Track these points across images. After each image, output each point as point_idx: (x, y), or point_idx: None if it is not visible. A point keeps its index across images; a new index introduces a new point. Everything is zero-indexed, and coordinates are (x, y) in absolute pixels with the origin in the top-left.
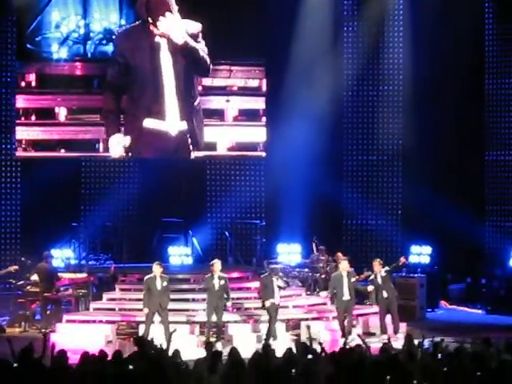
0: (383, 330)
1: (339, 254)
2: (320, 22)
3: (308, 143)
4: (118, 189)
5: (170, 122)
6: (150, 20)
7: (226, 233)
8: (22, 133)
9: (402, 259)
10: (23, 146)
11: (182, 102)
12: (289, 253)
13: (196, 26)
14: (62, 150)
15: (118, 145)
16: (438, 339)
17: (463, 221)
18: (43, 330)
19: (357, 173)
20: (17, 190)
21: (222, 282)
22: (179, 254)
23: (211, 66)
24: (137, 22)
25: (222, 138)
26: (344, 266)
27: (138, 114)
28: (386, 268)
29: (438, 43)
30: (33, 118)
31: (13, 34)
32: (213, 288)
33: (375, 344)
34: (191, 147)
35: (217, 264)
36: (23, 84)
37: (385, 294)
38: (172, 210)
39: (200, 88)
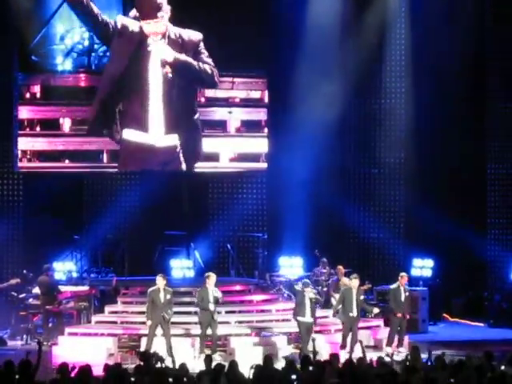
0: (390, 342)
1: (340, 267)
2: (321, 34)
3: (310, 155)
4: (120, 201)
5: (154, 135)
6: (141, 23)
7: (228, 246)
8: (27, 143)
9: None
10: (28, 156)
11: (173, 114)
12: (291, 266)
13: (196, 36)
14: (67, 161)
15: None
16: (439, 352)
17: (465, 234)
18: (38, 339)
19: (359, 185)
20: (19, 202)
21: (216, 294)
22: (181, 267)
23: (217, 76)
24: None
25: (225, 149)
26: (355, 283)
27: (123, 123)
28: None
29: (439, 56)
30: (38, 128)
31: (15, 47)
32: (207, 301)
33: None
34: (183, 160)
35: (212, 277)
36: (28, 95)
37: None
38: (174, 222)
39: (203, 99)
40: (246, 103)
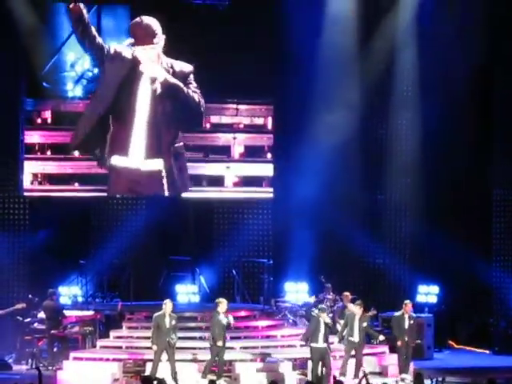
0: (401, 369)
1: (347, 294)
2: (328, 60)
3: (316, 181)
4: (126, 226)
5: (137, 159)
6: (135, 48)
7: (234, 271)
8: (38, 167)
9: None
10: (39, 179)
11: (157, 138)
12: (296, 291)
13: (187, 67)
14: (76, 184)
15: None
16: (440, 379)
17: (470, 260)
18: (37, 365)
19: (365, 211)
20: (25, 226)
21: (225, 320)
22: (186, 292)
23: (203, 106)
24: (127, 44)
25: (229, 174)
26: (357, 309)
27: (111, 148)
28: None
29: (446, 81)
30: (48, 152)
31: (23, 73)
32: (219, 326)
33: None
34: (166, 186)
35: (223, 303)
36: (39, 120)
37: (405, 337)
38: (180, 248)
39: (208, 125)
40: (250, 129)
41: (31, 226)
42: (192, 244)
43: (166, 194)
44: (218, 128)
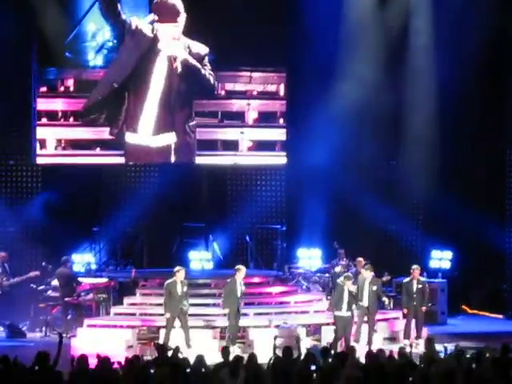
0: (407, 335)
1: (360, 259)
2: (339, 30)
3: (329, 147)
4: (139, 194)
5: (144, 135)
6: (156, 25)
7: (247, 238)
8: (62, 133)
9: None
10: (62, 145)
11: (169, 115)
12: (309, 257)
13: (203, 49)
14: (98, 149)
15: None
16: (455, 345)
17: (484, 226)
18: (59, 332)
19: (378, 177)
20: (37, 195)
21: (243, 287)
22: (200, 259)
23: (217, 88)
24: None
25: (243, 138)
26: (367, 273)
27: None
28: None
29: (460, 43)
30: (71, 119)
31: (33, 43)
32: (236, 293)
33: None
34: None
35: (242, 270)
36: (62, 88)
37: (414, 301)
38: (193, 214)
39: (223, 92)
40: (263, 96)
41: (43, 194)
42: (205, 211)
43: (172, 161)
44: (232, 95)
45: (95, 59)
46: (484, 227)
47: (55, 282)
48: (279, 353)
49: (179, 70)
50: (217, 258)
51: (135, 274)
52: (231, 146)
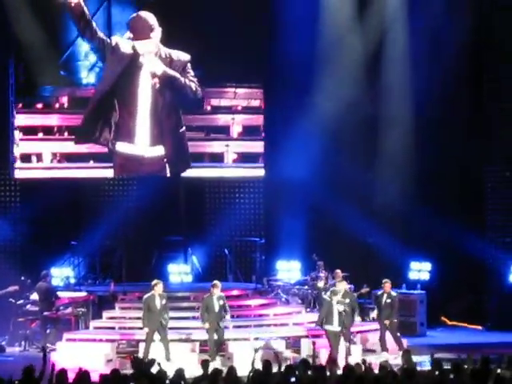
0: (383, 348)
1: (338, 271)
2: (314, 44)
3: (307, 160)
4: (117, 207)
5: (141, 146)
6: (134, 42)
7: (226, 250)
8: (58, 147)
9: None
10: (58, 158)
11: (158, 126)
12: (288, 270)
13: (184, 56)
14: (91, 161)
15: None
16: (435, 356)
17: (463, 236)
18: (43, 346)
19: (357, 189)
20: (16, 209)
21: (221, 302)
22: (179, 272)
23: (200, 94)
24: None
25: (229, 151)
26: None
27: (116, 135)
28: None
29: (437, 53)
30: (65, 134)
31: (10, 57)
32: (213, 309)
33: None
34: (168, 169)
35: (217, 287)
36: (57, 105)
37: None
38: (171, 228)
39: (209, 108)
40: (247, 110)
41: (22, 208)
42: (184, 224)
43: (168, 174)
44: (218, 110)
45: (88, 77)
46: (463, 238)
47: (34, 296)
48: (258, 366)
49: (159, 83)
50: (196, 271)
51: (114, 287)
52: (217, 158)
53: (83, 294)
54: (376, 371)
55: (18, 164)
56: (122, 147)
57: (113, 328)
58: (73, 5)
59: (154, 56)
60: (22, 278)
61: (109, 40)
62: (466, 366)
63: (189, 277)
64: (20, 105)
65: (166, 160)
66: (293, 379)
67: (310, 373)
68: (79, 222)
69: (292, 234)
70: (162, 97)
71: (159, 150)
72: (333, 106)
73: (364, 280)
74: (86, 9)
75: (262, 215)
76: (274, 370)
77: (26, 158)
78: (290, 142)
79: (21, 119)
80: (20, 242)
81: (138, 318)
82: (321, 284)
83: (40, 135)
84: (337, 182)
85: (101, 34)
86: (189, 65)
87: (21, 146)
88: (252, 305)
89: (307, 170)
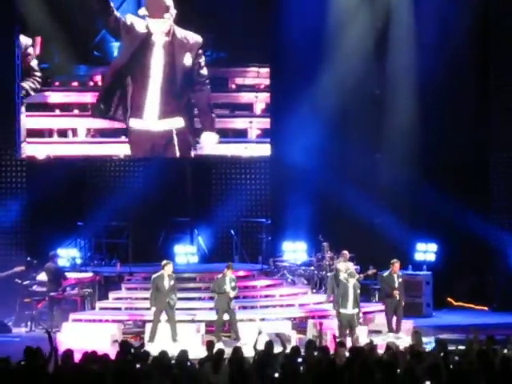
0: (390, 329)
1: (345, 252)
2: (322, 24)
3: (314, 140)
4: (124, 188)
5: (149, 121)
6: (148, 20)
7: (232, 231)
8: (92, 123)
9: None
10: (92, 133)
11: (169, 102)
12: (294, 251)
13: (198, 38)
14: (123, 137)
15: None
16: (441, 337)
17: (469, 218)
18: (46, 328)
19: (363, 171)
20: (22, 190)
21: (233, 283)
22: (185, 253)
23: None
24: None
25: (252, 127)
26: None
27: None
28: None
29: (443, 36)
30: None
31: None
32: (224, 290)
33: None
34: (176, 143)
35: (231, 269)
36: (91, 83)
37: (396, 296)
38: (177, 209)
39: (233, 86)
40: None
41: (28, 189)
42: (190, 205)
43: (178, 153)
44: (242, 88)
45: None
46: (469, 219)
47: (40, 277)
48: (262, 347)
49: (171, 60)
50: (202, 252)
51: (120, 268)
52: (241, 134)
53: (89, 274)
54: (381, 352)
55: (28, 140)
56: (133, 123)
57: (119, 309)
58: None
59: (166, 37)
60: (28, 259)
61: (123, 19)
62: (472, 347)
63: (195, 258)
64: (57, 83)
65: (175, 134)
66: (299, 360)
67: (315, 354)
68: (86, 202)
69: (298, 216)
70: (174, 74)
71: (172, 124)
72: (339, 86)
73: (369, 261)
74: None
75: (268, 196)
76: (278, 350)
77: (62, 133)
78: (296, 123)
79: (58, 97)
80: (26, 223)
81: (145, 299)
82: (341, 266)
83: (75, 111)
84: (343, 163)
85: (117, 14)
86: (200, 47)
87: (58, 122)
88: (258, 285)
89: (313, 151)
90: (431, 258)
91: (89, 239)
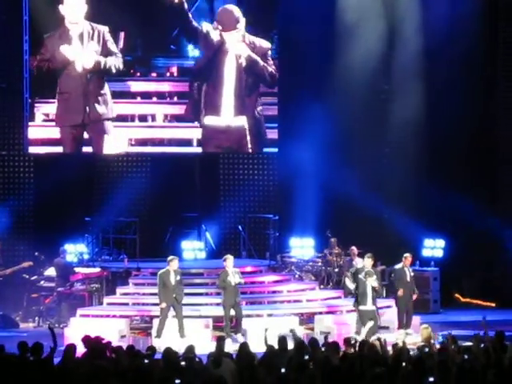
0: (401, 325)
1: (353, 248)
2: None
3: (321, 136)
4: (132, 183)
5: (224, 117)
6: (221, 33)
7: (240, 227)
8: (169, 110)
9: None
10: (168, 119)
11: (241, 104)
12: (302, 247)
13: (266, 44)
14: (196, 122)
15: None
16: (449, 333)
17: (477, 214)
18: (49, 324)
19: (370, 166)
20: (30, 185)
21: (237, 276)
22: (192, 249)
23: (277, 77)
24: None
25: None
26: (368, 263)
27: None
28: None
29: (452, 38)
30: (175, 98)
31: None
32: (229, 283)
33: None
34: (250, 143)
35: (229, 259)
36: (168, 74)
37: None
38: (185, 204)
39: None
40: None
41: (36, 184)
42: (198, 200)
43: (250, 150)
44: None
45: (193, 51)
46: (477, 215)
47: (48, 272)
48: (272, 343)
49: (244, 65)
50: (209, 248)
51: (128, 263)
52: None
53: (97, 270)
54: (389, 348)
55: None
56: (208, 120)
57: (126, 304)
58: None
59: (239, 42)
60: (36, 254)
61: (200, 27)
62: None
63: (202, 253)
64: (138, 73)
65: (247, 130)
66: (306, 357)
67: (323, 349)
68: (93, 198)
69: (306, 211)
70: (245, 77)
71: (242, 121)
72: (348, 81)
73: (377, 257)
74: (186, 5)
75: (275, 192)
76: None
77: (142, 118)
78: (305, 118)
79: (139, 86)
80: (34, 218)
81: (152, 294)
82: (360, 264)
83: (154, 99)
84: (351, 158)
85: (195, 23)
86: (269, 52)
87: (139, 108)
88: (266, 281)
89: (321, 146)
90: (439, 254)
91: (96, 235)
